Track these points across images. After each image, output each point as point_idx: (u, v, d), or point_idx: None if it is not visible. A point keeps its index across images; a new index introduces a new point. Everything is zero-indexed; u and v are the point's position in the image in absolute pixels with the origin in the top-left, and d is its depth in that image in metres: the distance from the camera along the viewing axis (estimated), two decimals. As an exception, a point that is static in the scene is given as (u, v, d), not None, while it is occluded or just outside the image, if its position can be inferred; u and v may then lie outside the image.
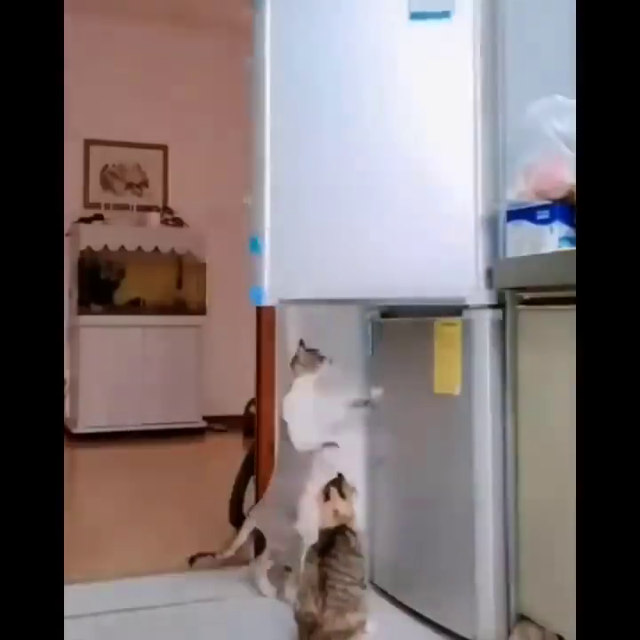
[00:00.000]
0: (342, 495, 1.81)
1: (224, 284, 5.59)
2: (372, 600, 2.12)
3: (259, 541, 2.24)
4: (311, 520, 1.88)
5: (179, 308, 5.64)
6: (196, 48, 5.70)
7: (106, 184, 5.78)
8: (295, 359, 2.14)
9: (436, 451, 1.98)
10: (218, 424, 5.43)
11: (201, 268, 5.71)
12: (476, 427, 1.83)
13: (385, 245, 1.87)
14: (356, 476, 2.06)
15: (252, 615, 2.13)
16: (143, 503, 3.42)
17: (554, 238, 1.70)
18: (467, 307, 1.85)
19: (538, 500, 1.73)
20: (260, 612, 2.15)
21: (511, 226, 1.80)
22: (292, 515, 2.09)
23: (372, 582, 2.25)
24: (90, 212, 5.56)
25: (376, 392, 2.23)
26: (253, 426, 2.67)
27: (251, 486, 2.76)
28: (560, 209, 1.70)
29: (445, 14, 1.82)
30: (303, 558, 1.82)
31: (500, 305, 1.81)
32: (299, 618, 1.72)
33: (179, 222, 5.72)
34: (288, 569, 2.15)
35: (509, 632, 1.76)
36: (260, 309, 2.58)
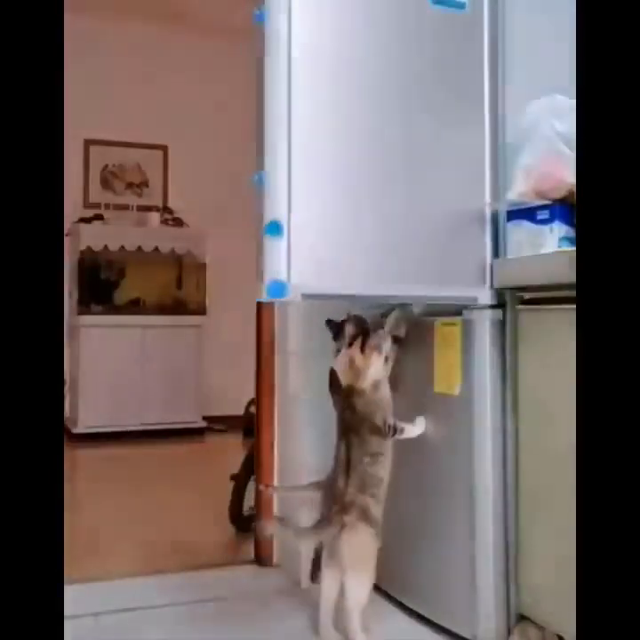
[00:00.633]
0: (363, 349, 1.86)
1: (224, 284, 5.60)
2: (372, 600, 2.13)
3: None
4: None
5: (179, 307, 5.64)
6: (195, 48, 5.70)
7: (106, 184, 5.78)
8: (341, 327, 2.10)
9: (435, 451, 1.98)
10: (218, 424, 5.42)
11: (201, 268, 5.71)
12: (475, 426, 1.83)
13: (401, 239, 1.81)
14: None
15: (253, 615, 2.13)
16: (143, 503, 3.42)
17: (554, 238, 1.70)
18: (466, 307, 1.86)
19: (538, 499, 1.73)
20: (260, 612, 2.15)
21: (511, 226, 1.80)
22: None
23: (372, 582, 2.25)
24: (90, 212, 5.56)
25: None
26: (253, 426, 2.67)
27: (251, 486, 2.76)
28: (560, 209, 1.71)
29: (461, 5, 1.82)
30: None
31: (500, 305, 1.81)
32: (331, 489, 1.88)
33: (179, 222, 5.72)
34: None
35: (509, 632, 1.77)
36: (259, 309, 2.58)
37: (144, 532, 2.93)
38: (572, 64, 1.27)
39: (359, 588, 1.84)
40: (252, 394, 2.73)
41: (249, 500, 2.80)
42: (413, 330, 2.07)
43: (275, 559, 2.51)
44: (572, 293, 1.25)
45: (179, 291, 5.75)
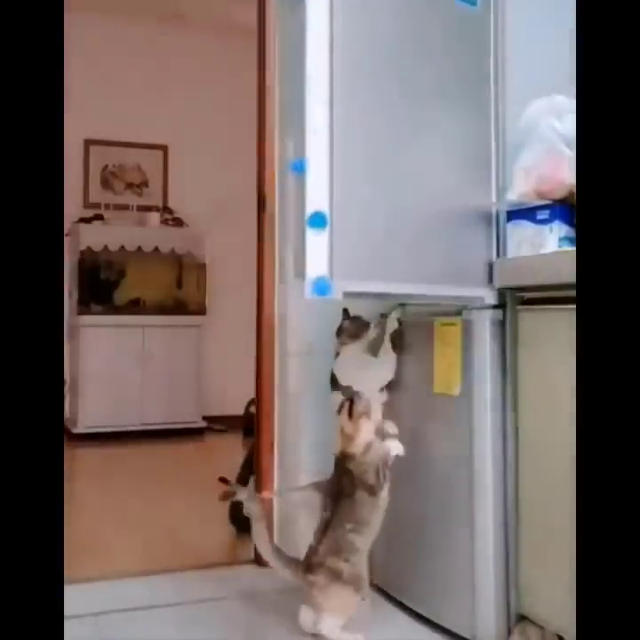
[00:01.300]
0: (350, 414, 1.85)
1: (224, 284, 5.60)
2: (372, 600, 2.13)
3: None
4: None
5: (179, 307, 5.64)
6: (195, 48, 5.70)
7: (106, 184, 5.78)
8: (341, 329, 2.11)
9: (435, 451, 1.98)
10: (218, 424, 5.42)
11: (201, 268, 5.71)
12: (475, 426, 1.83)
13: (414, 237, 1.78)
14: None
15: (253, 615, 2.13)
16: (143, 503, 3.42)
17: (554, 238, 1.70)
18: (466, 306, 1.86)
19: (538, 499, 1.73)
20: (260, 612, 2.15)
21: (511, 226, 1.80)
22: None
23: (372, 582, 2.25)
24: (90, 212, 5.56)
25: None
26: (253, 426, 2.67)
27: (250, 486, 2.76)
28: (560, 209, 1.71)
29: (473, 1, 1.82)
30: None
31: (500, 305, 1.82)
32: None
33: (179, 222, 5.72)
34: None
35: (509, 632, 1.77)
36: (260, 309, 2.58)
37: (144, 532, 2.93)
38: (572, 64, 1.27)
39: (334, 625, 1.86)
40: (251, 394, 2.73)
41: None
42: (413, 330, 2.08)
43: (275, 559, 2.50)
44: (572, 293, 1.25)
45: (179, 291, 5.75)
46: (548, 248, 1.70)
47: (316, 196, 1.62)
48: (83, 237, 5.36)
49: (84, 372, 5.16)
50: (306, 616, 1.90)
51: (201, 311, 5.63)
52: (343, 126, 1.64)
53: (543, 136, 1.73)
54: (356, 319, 2.11)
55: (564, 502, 1.42)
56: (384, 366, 2.07)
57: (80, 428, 5.11)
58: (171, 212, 5.76)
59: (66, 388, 5.18)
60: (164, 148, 5.88)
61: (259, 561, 2.51)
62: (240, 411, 4.54)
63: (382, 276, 1.72)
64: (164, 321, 5.43)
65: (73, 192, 5.46)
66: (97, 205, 5.66)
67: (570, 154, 1.69)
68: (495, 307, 1.82)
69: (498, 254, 1.83)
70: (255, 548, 2.54)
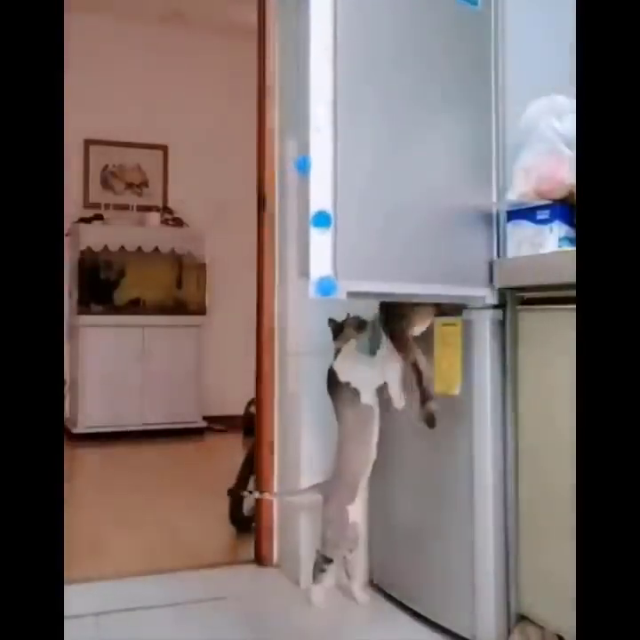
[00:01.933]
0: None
1: (224, 284, 5.60)
2: (372, 600, 2.13)
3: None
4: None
5: (179, 307, 5.64)
6: (195, 48, 5.70)
7: (106, 184, 5.78)
8: (341, 328, 2.10)
9: (435, 450, 1.98)
10: (218, 424, 5.43)
11: (201, 268, 5.71)
12: (475, 426, 1.83)
13: (416, 237, 1.77)
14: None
15: (253, 615, 2.14)
16: (143, 503, 3.42)
17: (554, 238, 1.70)
18: (466, 306, 1.86)
19: (538, 499, 1.73)
20: (260, 612, 2.15)
21: (511, 226, 1.80)
22: (352, 496, 2.07)
23: (371, 582, 2.25)
24: (90, 212, 5.56)
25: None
26: (253, 426, 2.67)
27: (251, 486, 2.76)
28: (560, 209, 1.70)
29: (474, 1, 1.81)
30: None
31: (500, 305, 1.82)
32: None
33: (179, 222, 5.73)
34: (327, 560, 2.08)
35: (509, 632, 1.77)
36: (260, 309, 2.58)
37: (144, 532, 2.93)
38: (572, 64, 1.27)
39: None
40: (251, 394, 2.73)
41: (249, 501, 2.80)
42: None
43: (275, 559, 2.51)
44: (572, 293, 1.25)
45: (179, 291, 5.75)
46: (548, 248, 1.70)
47: (320, 195, 1.60)
48: (83, 237, 5.36)
49: (83, 372, 5.16)
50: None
51: (201, 311, 5.63)
52: (346, 125, 1.63)
53: (543, 136, 1.73)
54: (355, 318, 2.11)
55: (564, 502, 1.42)
56: (382, 367, 2.07)
57: (80, 428, 5.11)
58: (171, 212, 5.76)
59: (66, 388, 5.18)
60: (164, 148, 5.88)
61: (259, 561, 2.52)
62: (240, 411, 4.54)
63: (384, 276, 1.71)
64: (164, 321, 5.43)
65: (73, 192, 5.46)
66: (97, 205, 5.66)
67: (570, 154, 1.68)
68: (495, 307, 1.82)
69: (498, 254, 1.83)
70: (255, 548, 2.54)
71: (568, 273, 1.39)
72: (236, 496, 2.87)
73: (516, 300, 1.79)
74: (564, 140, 1.71)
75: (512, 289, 1.79)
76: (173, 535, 2.89)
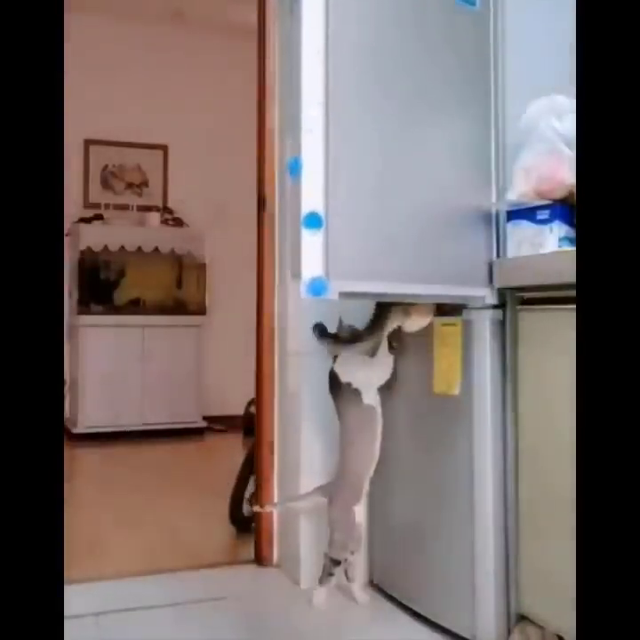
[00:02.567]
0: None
1: (224, 284, 5.60)
2: (372, 600, 2.13)
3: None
4: None
5: (179, 307, 5.64)
6: (195, 48, 5.70)
7: (106, 184, 5.78)
8: (337, 336, 2.08)
9: (435, 451, 1.98)
10: (218, 424, 5.43)
11: (201, 268, 5.71)
12: (475, 426, 1.83)
13: (412, 237, 1.77)
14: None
15: (252, 615, 2.14)
16: (143, 503, 3.42)
17: (554, 238, 1.70)
18: (466, 306, 1.86)
19: (538, 499, 1.73)
20: (260, 612, 2.15)
21: (511, 226, 1.80)
22: (358, 497, 2.07)
23: (371, 582, 2.25)
24: (90, 212, 5.56)
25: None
26: (253, 426, 2.67)
27: (251, 486, 2.76)
28: (560, 209, 1.70)
29: (472, 1, 1.81)
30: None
31: (500, 305, 1.82)
32: None
33: (179, 222, 5.73)
34: (336, 562, 2.08)
35: (509, 632, 1.77)
36: (260, 309, 2.58)
37: (144, 532, 2.93)
38: (572, 64, 1.27)
39: None
40: (251, 394, 2.73)
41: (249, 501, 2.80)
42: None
43: (275, 559, 2.51)
44: (572, 293, 1.25)
45: (179, 291, 5.75)
46: (548, 248, 1.70)
47: (311, 197, 1.61)
48: (83, 237, 5.36)
49: (83, 372, 5.16)
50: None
51: (201, 311, 5.63)
52: (338, 127, 1.63)
53: (543, 136, 1.73)
54: (350, 326, 2.10)
55: (564, 502, 1.42)
56: (382, 367, 2.07)
57: (80, 428, 5.11)
58: (171, 212, 5.76)
59: (66, 388, 5.18)
60: (164, 148, 5.88)
61: (259, 561, 2.52)
62: (240, 411, 4.54)
63: (381, 277, 1.71)
64: (164, 321, 5.43)
65: (73, 192, 5.46)
66: (97, 205, 5.66)
67: (570, 154, 1.68)
68: (495, 306, 1.82)
69: (498, 254, 1.83)
70: (255, 548, 2.54)
71: (568, 273, 1.39)
72: (237, 500, 2.87)
73: (515, 300, 1.79)
74: (564, 139, 1.71)
75: (512, 289, 1.79)
76: (173, 535, 2.89)
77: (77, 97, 4.61)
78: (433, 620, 1.97)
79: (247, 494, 2.79)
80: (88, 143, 5.66)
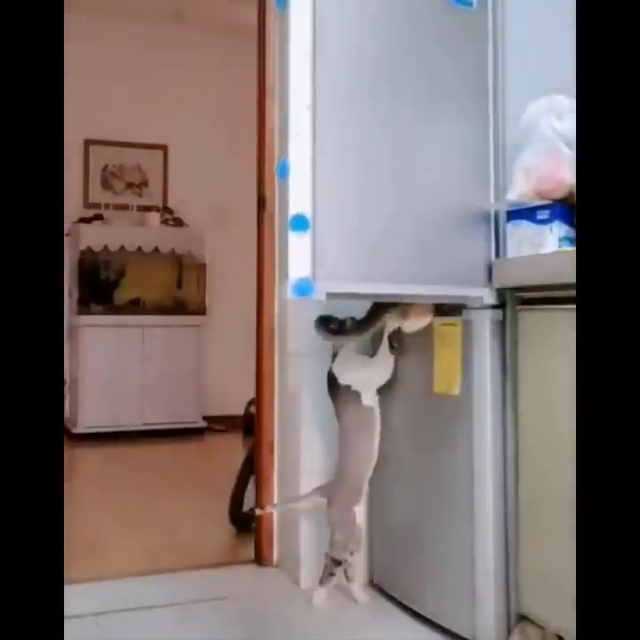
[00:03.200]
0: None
1: (224, 284, 5.60)
2: (372, 600, 2.13)
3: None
4: None
5: (179, 308, 5.64)
6: (195, 47, 5.70)
7: (106, 184, 5.78)
8: (340, 330, 2.07)
9: (435, 451, 1.98)
10: (217, 424, 5.43)
11: (201, 268, 5.71)
12: (475, 426, 1.83)
13: (406, 238, 1.77)
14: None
15: (252, 615, 2.14)
16: (143, 503, 3.42)
17: (554, 238, 1.70)
18: (466, 306, 1.86)
19: (538, 499, 1.73)
20: (260, 612, 2.15)
21: (511, 226, 1.80)
22: (357, 498, 2.07)
23: (371, 582, 2.25)
24: (90, 212, 5.56)
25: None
26: (253, 426, 2.67)
27: (251, 486, 2.76)
28: (560, 209, 1.70)
29: (469, 2, 1.81)
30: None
31: (500, 305, 1.81)
32: None
33: (179, 222, 5.73)
34: (337, 562, 2.08)
35: (509, 632, 1.77)
36: (260, 309, 2.58)
37: (144, 532, 2.93)
38: (572, 64, 1.27)
39: None
40: (252, 394, 2.73)
41: (249, 501, 2.80)
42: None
43: (275, 559, 2.51)
44: (572, 293, 1.25)
45: (179, 291, 5.75)
46: (548, 248, 1.70)
47: (299, 199, 1.62)
48: (83, 237, 5.36)
49: (83, 372, 5.16)
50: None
51: (201, 311, 5.63)
52: (327, 129, 1.65)
53: (543, 136, 1.73)
54: (352, 320, 2.10)
55: (564, 502, 1.42)
56: (382, 367, 2.07)
57: (80, 428, 5.11)
58: (171, 211, 5.76)
59: (66, 388, 5.18)
60: (164, 148, 5.88)
61: (259, 561, 2.52)
62: (240, 411, 4.54)
63: (371, 278, 1.72)
64: (164, 321, 5.43)
65: (73, 192, 5.46)
66: (97, 205, 5.66)
67: (570, 154, 1.68)
68: (495, 307, 1.82)
69: (497, 254, 1.83)
70: (255, 548, 2.54)
71: (568, 273, 1.39)
72: (237, 500, 2.87)
73: (515, 299, 1.79)
74: (564, 139, 1.71)
75: (512, 289, 1.79)
76: (173, 535, 2.89)
77: (77, 97, 4.61)
78: (433, 619, 1.97)
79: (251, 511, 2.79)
80: (88, 143, 5.66)
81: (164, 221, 5.69)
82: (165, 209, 5.78)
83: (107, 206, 5.69)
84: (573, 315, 1.19)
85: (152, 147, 5.84)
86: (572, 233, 1.70)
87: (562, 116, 1.73)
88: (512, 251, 1.79)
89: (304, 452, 2.33)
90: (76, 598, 2.00)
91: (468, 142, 1.84)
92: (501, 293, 1.81)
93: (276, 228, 2.53)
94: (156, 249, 5.53)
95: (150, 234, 5.58)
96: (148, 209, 5.72)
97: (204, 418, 5.46)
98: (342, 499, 2.05)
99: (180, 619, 2.07)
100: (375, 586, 2.23)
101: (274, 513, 2.48)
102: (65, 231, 5.22)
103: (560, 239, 1.70)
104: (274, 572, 2.46)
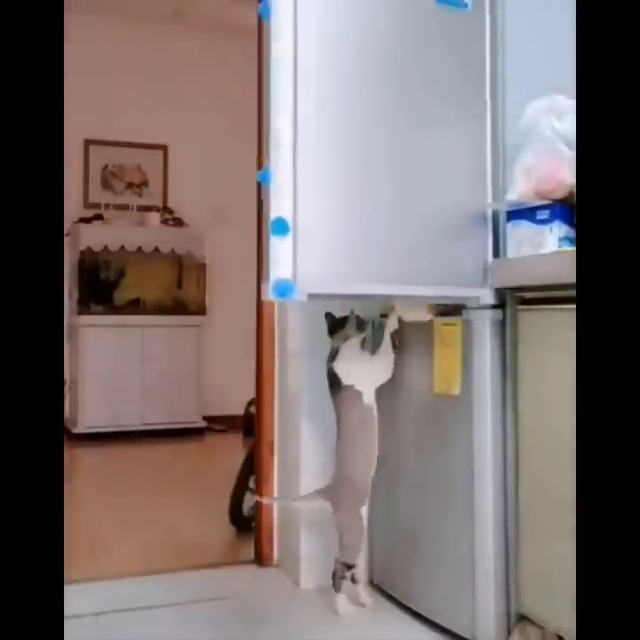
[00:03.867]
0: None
1: (224, 284, 5.60)
2: (372, 600, 2.13)
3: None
4: None
5: (179, 308, 5.64)
6: (195, 48, 5.70)
7: (106, 184, 5.78)
8: (342, 325, 2.08)
9: (435, 450, 1.98)
10: (217, 424, 5.43)
11: (201, 268, 5.72)
12: (475, 426, 1.83)
13: (404, 239, 1.78)
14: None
15: (253, 615, 2.14)
16: (143, 503, 3.42)
17: (554, 238, 1.70)
18: (466, 306, 1.86)
19: (538, 499, 1.73)
20: (260, 612, 2.15)
21: (511, 226, 1.80)
22: (363, 499, 2.06)
23: (371, 582, 2.25)
24: (90, 212, 5.56)
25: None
26: (253, 426, 2.67)
27: (251, 486, 2.76)
28: (560, 209, 1.70)
29: (463, 4, 1.81)
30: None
31: (500, 305, 1.81)
32: None
33: (179, 222, 5.73)
34: (348, 566, 2.06)
35: (509, 632, 1.77)
36: (259, 309, 2.58)
37: (144, 532, 2.93)
38: (572, 64, 1.27)
39: None
40: (252, 394, 2.73)
41: (249, 501, 2.80)
42: (413, 330, 2.08)
43: (275, 559, 2.51)
44: (572, 293, 1.25)
45: (179, 291, 5.75)
46: (548, 248, 1.70)
47: (280, 202, 1.63)
48: (83, 237, 5.36)
49: (83, 372, 5.16)
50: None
51: (201, 311, 5.63)
52: (309, 133, 1.66)
53: (543, 136, 1.73)
54: (359, 319, 2.10)
55: (564, 502, 1.42)
56: (383, 366, 2.07)
57: (80, 428, 5.11)
58: (171, 211, 5.76)
59: (66, 388, 5.18)
60: (164, 148, 5.88)
61: (259, 561, 2.52)
62: (240, 411, 4.54)
63: (349, 278, 1.73)
64: (164, 321, 5.43)
65: (73, 192, 5.46)
66: (97, 205, 5.66)
67: (570, 154, 1.68)
68: (495, 307, 1.82)
69: (497, 254, 1.83)
70: (255, 548, 2.54)
71: (568, 273, 1.39)
72: (237, 500, 2.87)
73: (515, 299, 1.79)
74: (563, 139, 1.71)
75: (512, 289, 1.79)
76: (173, 535, 2.89)
77: (77, 97, 4.61)
78: (433, 620, 1.97)
79: (246, 507, 2.80)
80: (88, 143, 5.66)
81: (164, 221, 5.69)
82: (165, 209, 5.78)
83: (107, 206, 5.69)
84: (573, 315, 1.19)
85: (152, 147, 5.84)
86: (572, 233, 1.70)
87: (562, 116, 1.73)
88: (512, 251, 1.79)
89: (304, 451, 2.33)
90: (75, 598, 2.00)
91: (467, 142, 1.84)
92: (501, 293, 1.81)
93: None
94: (156, 249, 5.53)
95: (150, 234, 5.58)
96: (148, 209, 5.73)
97: (204, 418, 5.46)
98: (349, 501, 2.04)
99: (180, 619, 2.07)
100: (375, 586, 2.23)
101: (273, 508, 2.48)
102: (65, 231, 5.22)
103: (560, 239, 1.70)
104: (274, 571, 2.46)
